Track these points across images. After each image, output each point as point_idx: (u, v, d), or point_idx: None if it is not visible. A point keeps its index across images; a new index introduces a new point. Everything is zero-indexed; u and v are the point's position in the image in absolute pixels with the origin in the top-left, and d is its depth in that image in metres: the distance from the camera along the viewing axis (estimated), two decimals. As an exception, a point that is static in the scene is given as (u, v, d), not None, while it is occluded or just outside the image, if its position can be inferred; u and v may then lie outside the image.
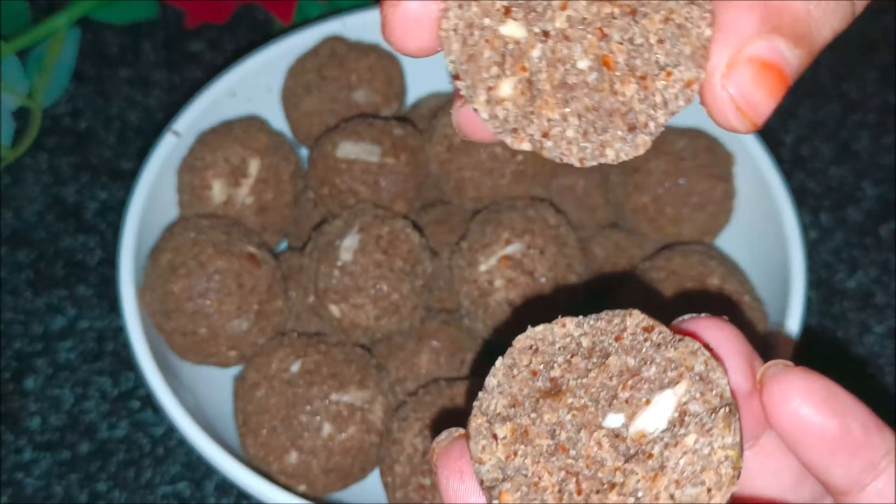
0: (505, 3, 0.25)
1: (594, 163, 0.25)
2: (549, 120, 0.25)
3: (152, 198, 0.50)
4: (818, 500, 0.29)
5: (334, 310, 0.46)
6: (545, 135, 0.25)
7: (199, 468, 0.52)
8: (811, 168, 0.64)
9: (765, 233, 0.50)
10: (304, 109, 0.54)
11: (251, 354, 0.47)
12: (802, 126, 0.67)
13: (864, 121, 0.67)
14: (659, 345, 0.27)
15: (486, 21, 0.25)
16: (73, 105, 0.66)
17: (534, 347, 0.28)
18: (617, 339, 0.28)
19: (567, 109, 0.25)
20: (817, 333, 0.57)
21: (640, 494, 0.26)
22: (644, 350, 0.27)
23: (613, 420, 0.27)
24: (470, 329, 0.49)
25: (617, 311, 0.28)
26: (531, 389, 0.27)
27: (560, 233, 0.46)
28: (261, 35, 0.70)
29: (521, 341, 0.28)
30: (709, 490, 0.26)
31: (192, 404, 0.46)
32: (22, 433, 0.53)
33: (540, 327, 0.28)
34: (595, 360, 0.28)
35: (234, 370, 0.49)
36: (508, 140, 0.26)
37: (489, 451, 0.27)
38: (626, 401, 0.27)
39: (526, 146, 0.26)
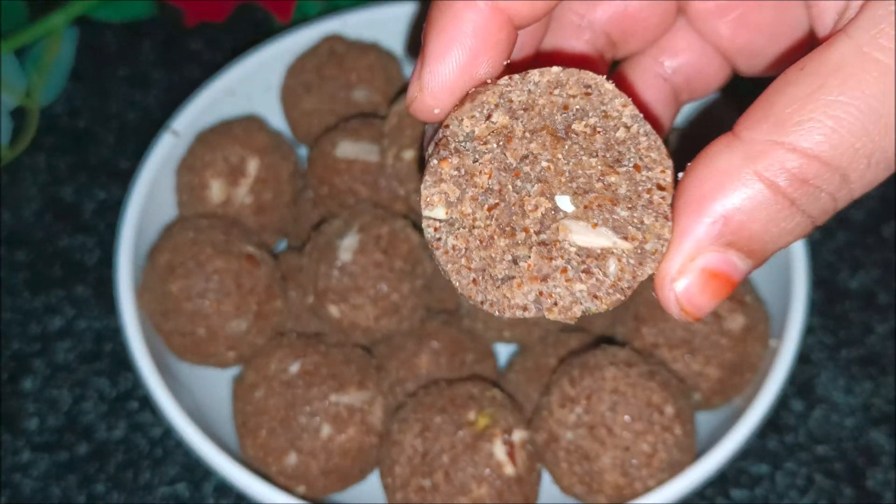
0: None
1: None
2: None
3: (151, 197, 0.50)
4: None
5: (333, 310, 0.46)
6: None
7: (197, 469, 0.51)
8: (812, 167, 0.64)
9: (766, 232, 0.50)
10: (303, 108, 0.53)
11: (250, 355, 0.47)
12: (804, 125, 0.66)
13: (866, 120, 0.67)
14: (651, 203, 0.27)
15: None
16: (70, 104, 0.66)
17: (589, 90, 0.28)
18: (636, 168, 0.28)
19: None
20: (820, 333, 0.57)
21: (518, 261, 0.28)
22: (638, 192, 0.28)
23: (564, 203, 0.28)
24: (470, 329, 0.49)
25: (655, 140, 0.28)
26: (549, 116, 0.28)
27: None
28: (260, 34, 0.70)
29: (586, 76, 0.28)
30: (550, 308, 0.28)
31: (191, 405, 0.45)
32: (20, 434, 0.52)
33: (609, 85, 0.28)
34: (607, 155, 0.28)
35: (233, 371, 0.49)
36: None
37: (471, 119, 0.28)
38: (587, 205, 0.27)
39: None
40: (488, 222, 0.28)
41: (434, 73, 0.29)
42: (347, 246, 0.45)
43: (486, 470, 0.41)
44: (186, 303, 0.45)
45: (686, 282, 0.27)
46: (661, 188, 0.28)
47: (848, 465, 0.52)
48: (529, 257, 0.28)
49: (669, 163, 0.28)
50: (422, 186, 0.27)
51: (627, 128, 0.28)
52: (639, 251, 0.28)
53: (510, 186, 0.28)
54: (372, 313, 0.45)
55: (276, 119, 0.55)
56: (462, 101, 0.28)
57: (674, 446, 0.41)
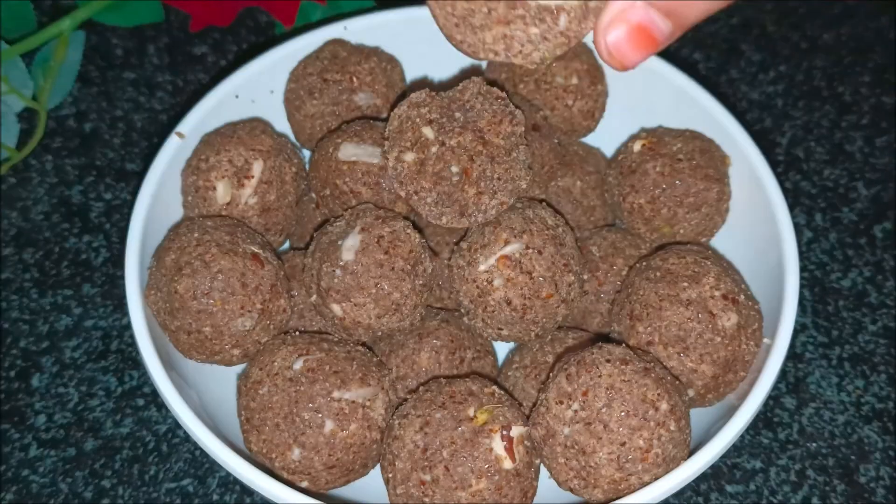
0: None
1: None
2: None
3: (157, 198, 0.50)
4: None
5: (336, 308, 0.46)
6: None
7: (202, 465, 0.52)
8: (805, 169, 0.65)
9: (760, 233, 0.51)
10: (306, 112, 0.54)
11: (255, 353, 0.47)
12: (797, 128, 0.67)
13: (858, 122, 0.67)
14: None
15: None
16: (78, 107, 0.67)
17: None
18: None
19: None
20: (812, 332, 0.58)
21: (492, 12, 0.35)
22: None
23: None
24: (469, 328, 0.50)
25: None
26: None
27: (558, 233, 0.47)
28: (263, 38, 0.71)
29: None
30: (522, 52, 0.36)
31: (197, 402, 0.46)
32: (28, 431, 0.53)
33: None
34: None
35: (238, 368, 0.50)
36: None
37: None
38: None
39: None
40: None
41: None
42: (350, 246, 0.46)
43: (486, 464, 0.42)
44: (192, 301, 0.46)
45: (616, 32, 0.35)
46: None
47: (840, 462, 0.53)
48: (499, 9, 0.35)
49: None
50: None
51: None
52: (584, 8, 0.35)
53: None
54: (374, 311, 0.46)
55: (280, 122, 0.56)
56: None
57: (668, 442, 0.42)
